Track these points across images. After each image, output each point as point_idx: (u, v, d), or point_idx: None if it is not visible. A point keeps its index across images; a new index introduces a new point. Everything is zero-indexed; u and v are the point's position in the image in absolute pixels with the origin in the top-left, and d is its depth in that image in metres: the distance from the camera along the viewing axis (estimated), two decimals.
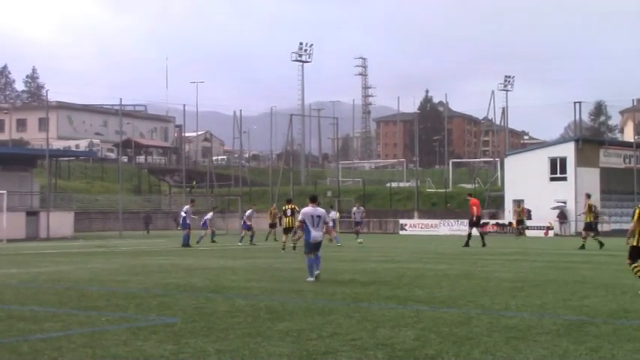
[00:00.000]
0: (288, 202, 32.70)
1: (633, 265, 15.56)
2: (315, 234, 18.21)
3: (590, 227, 35.58)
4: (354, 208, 46.95)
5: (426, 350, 9.11)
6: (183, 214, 38.57)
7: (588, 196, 36.72)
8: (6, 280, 18.67)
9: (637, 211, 15.57)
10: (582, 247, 33.58)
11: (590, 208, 35.18)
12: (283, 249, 31.48)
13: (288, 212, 31.34)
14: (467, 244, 35.41)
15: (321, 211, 18.60)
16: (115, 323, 11.37)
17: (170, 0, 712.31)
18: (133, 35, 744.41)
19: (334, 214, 43.54)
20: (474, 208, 36.36)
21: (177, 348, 9.28)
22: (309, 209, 18.40)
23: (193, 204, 41.24)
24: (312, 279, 17.84)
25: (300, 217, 19.00)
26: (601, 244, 33.44)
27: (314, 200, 18.87)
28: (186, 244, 36.33)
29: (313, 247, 18.24)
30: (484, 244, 35.06)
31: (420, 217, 68.25)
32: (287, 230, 31.86)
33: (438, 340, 9.72)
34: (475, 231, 36.29)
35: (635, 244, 15.53)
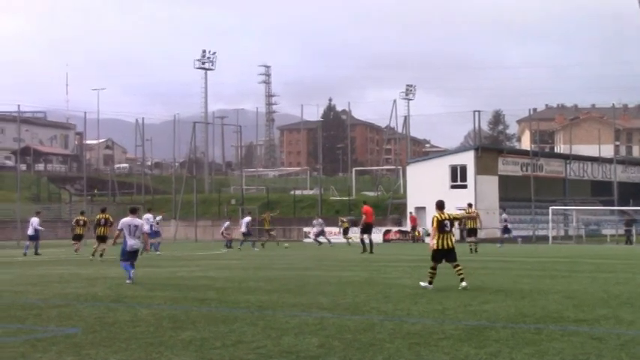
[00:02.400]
0: (102, 211, 34.24)
1: (431, 267, 17.52)
2: (132, 242, 19.98)
3: (473, 232, 37.03)
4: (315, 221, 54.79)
5: (330, 357, 9.14)
6: (36, 226, 39.15)
7: (470, 205, 38.12)
8: None
9: (435, 219, 17.30)
10: (475, 251, 35.32)
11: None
12: (93, 255, 32.42)
13: (102, 222, 32.97)
14: (364, 251, 36.05)
15: (138, 221, 20.55)
16: (12, 335, 11.07)
17: (63, 3, 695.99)
18: (29, 39, 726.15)
19: (248, 219, 47.23)
20: (364, 216, 37.46)
21: (77, 359, 9.10)
22: (127, 219, 20.26)
23: (40, 215, 42.15)
24: (129, 281, 19.35)
25: (119, 226, 20.48)
26: (472, 250, 35.19)
27: (133, 212, 20.95)
28: (30, 252, 37.96)
29: (130, 255, 19.97)
30: (371, 251, 35.58)
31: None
32: (100, 238, 32.81)
33: (341, 347, 9.77)
34: (366, 237, 37.12)
35: (436, 247, 17.40)
